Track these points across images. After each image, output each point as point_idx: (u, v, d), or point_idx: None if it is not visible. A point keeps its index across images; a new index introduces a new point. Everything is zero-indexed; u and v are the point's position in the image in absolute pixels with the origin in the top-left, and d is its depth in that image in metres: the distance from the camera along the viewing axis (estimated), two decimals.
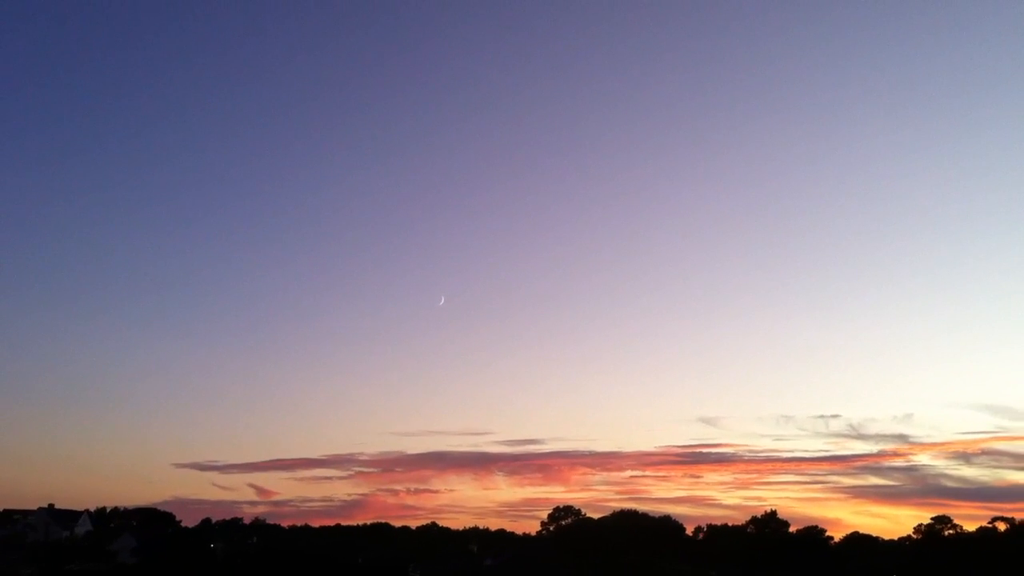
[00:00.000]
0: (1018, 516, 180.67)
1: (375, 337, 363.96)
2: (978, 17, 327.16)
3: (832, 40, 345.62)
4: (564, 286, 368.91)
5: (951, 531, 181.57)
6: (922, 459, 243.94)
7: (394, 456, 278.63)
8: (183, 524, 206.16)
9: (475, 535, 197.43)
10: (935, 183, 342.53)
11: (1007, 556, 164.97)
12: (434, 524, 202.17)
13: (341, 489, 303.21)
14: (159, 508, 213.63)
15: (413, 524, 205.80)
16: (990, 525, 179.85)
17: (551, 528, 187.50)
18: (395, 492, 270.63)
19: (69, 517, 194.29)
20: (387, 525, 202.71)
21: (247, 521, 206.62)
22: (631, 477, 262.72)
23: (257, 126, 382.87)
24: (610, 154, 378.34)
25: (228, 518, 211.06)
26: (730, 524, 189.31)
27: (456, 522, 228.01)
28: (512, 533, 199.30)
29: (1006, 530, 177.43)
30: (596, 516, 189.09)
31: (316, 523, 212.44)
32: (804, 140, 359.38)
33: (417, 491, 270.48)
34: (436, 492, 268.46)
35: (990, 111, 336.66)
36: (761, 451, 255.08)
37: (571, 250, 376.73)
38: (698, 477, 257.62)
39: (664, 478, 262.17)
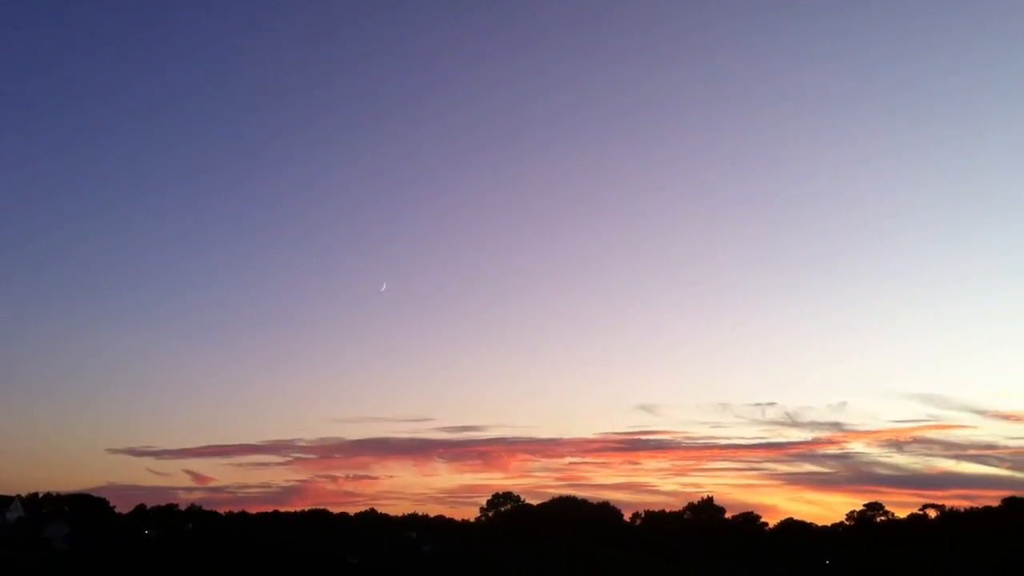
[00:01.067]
0: (948, 503, 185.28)
1: (315, 322, 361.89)
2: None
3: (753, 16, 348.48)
4: (505, 274, 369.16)
5: (883, 517, 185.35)
6: (856, 447, 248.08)
7: (333, 442, 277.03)
8: (117, 510, 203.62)
9: (414, 521, 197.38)
10: (868, 174, 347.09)
11: (937, 542, 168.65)
12: (373, 511, 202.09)
13: (279, 475, 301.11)
14: (93, 494, 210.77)
15: (352, 511, 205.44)
16: (921, 512, 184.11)
17: (490, 514, 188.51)
18: (334, 479, 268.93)
19: (0, 503, 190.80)
20: (325, 512, 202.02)
21: (183, 507, 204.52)
22: (571, 464, 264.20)
23: (189, 108, 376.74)
24: (548, 143, 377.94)
25: (163, 504, 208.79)
26: (667, 510, 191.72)
27: (395, 508, 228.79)
28: (452, 519, 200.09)
29: (936, 517, 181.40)
30: (535, 502, 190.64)
31: (254, 510, 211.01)
32: (738, 130, 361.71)
33: (356, 478, 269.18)
34: (376, 479, 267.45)
35: (913, 96, 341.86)
36: (699, 438, 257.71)
37: (512, 238, 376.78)
38: (637, 464, 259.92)
39: (603, 465, 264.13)
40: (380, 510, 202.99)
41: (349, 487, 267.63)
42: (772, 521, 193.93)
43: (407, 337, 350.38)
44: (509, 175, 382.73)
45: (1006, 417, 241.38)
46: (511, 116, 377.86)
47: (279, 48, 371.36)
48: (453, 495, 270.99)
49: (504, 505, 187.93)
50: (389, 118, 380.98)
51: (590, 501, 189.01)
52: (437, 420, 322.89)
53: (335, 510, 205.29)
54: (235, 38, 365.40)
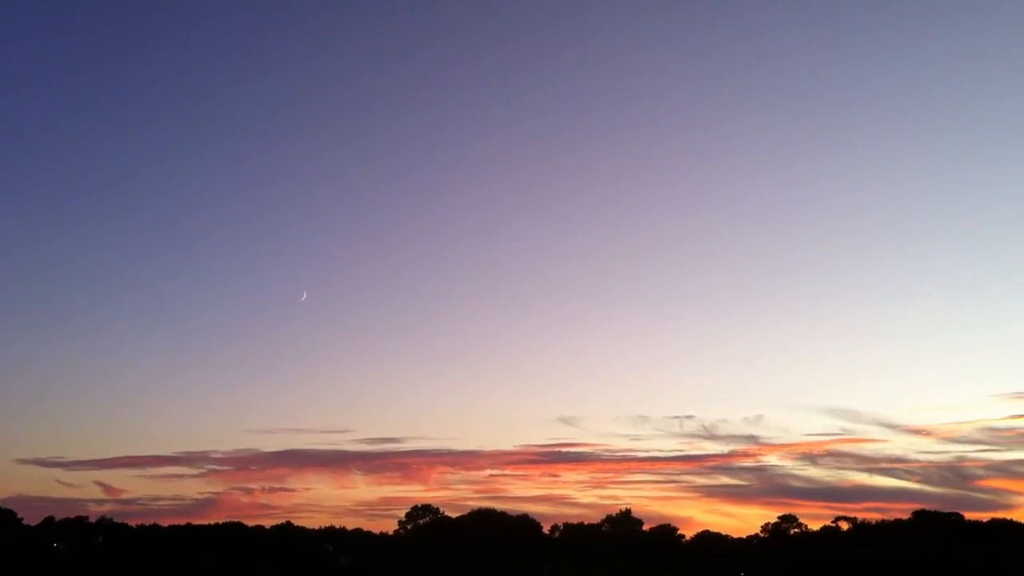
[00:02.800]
0: (860, 515, 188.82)
1: (231, 331, 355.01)
2: None
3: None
4: (425, 283, 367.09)
5: (796, 530, 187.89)
6: (771, 460, 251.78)
7: (249, 454, 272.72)
8: (25, 522, 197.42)
9: (331, 534, 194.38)
10: (781, 189, 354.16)
11: (849, 554, 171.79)
12: (289, 523, 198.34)
13: (193, 488, 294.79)
14: (1, 505, 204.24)
15: (268, 524, 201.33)
16: (833, 524, 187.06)
17: (409, 527, 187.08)
18: (249, 491, 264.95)
19: None
20: (240, 524, 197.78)
21: (93, 520, 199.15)
22: (490, 476, 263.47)
23: (102, 110, 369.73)
24: (466, 153, 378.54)
25: (73, 516, 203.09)
26: (586, 522, 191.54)
27: (312, 521, 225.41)
28: (370, 532, 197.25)
29: (848, 529, 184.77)
30: (454, 515, 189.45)
31: (166, 522, 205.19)
32: (655, 145, 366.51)
33: (272, 490, 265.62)
34: (292, 491, 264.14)
35: (836, 114, 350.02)
36: (618, 450, 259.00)
37: (431, 249, 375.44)
38: (556, 476, 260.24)
39: (523, 477, 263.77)
40: (297, 523, 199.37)
41: (265, 500, 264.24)
42: (689, 533, 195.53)
43: (326, 347, 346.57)
44: (428, 185, 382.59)
45: (916, 432, 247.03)
46: (432, 126, 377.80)
47: (203, 44, 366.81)
48: (371, 508, 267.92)
49: (423, 518, 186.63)
50: (311, 124, 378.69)
51: (509, 514, 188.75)
52: (356, 432, 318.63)
53: (250, 523, 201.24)
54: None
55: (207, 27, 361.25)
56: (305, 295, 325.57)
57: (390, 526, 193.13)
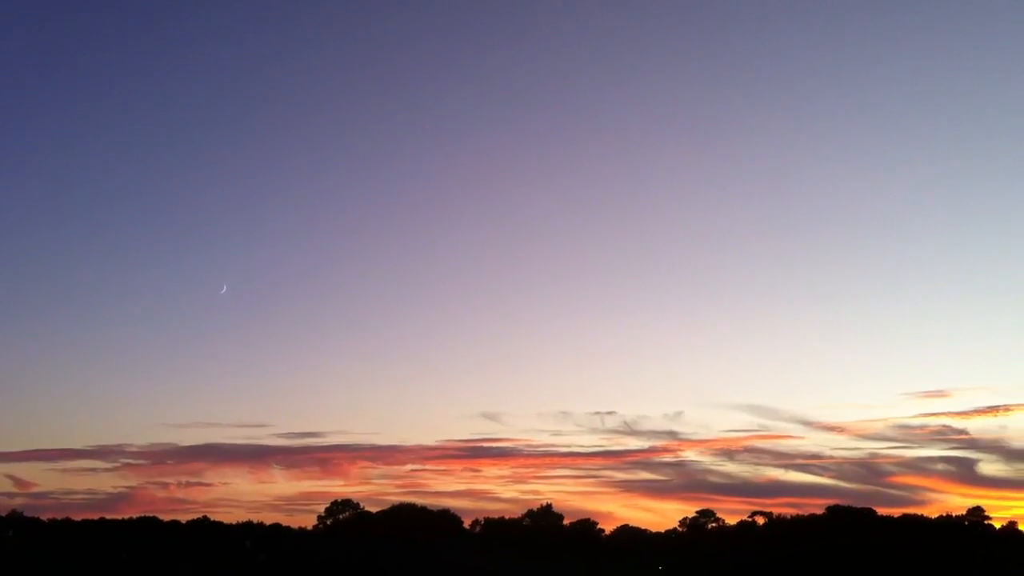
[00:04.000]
0: (776, 511, 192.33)
1: (147, 322, 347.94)
2: None
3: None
4: (347, 277, 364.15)
5: (714, 524, 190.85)
6: (690, 455, 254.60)
7: (165, 448, 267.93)
8: None
9: (249, 529, 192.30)
10: (708, 192, 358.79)
11: (764, 548, 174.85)
12: (206, 518, 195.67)
13: (107, 482, 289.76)
14: None
15: (184, 519, 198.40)
16: (750, 519, 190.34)
17: (328, 522, 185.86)
18: (165, 485, 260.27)
19: None
20: (156, 519, 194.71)
21: (3, 514, 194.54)
22: (412, 471, 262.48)
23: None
24: (389, 154, 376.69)
25: None
26: (507, 517, 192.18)
27: (230, 516, 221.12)
28: (288, 528, 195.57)
29: (764, 524, 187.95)
30: (375, 510, 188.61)
31: (79, 517, 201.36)
32: (589, 144, 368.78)
33: (189, 484, 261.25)
34: (209, 485, 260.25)
35: (770, 114, 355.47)
36: (540, 446, 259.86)
37: (354, 241, 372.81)
38: (478, 471, 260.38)
39: (444, 472, 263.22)
40: (214, 518, 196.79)
41: (181, 494, 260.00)
42: (608, 528, 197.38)
43: (246, 341, 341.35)
44: (349, 181, 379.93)
45: (831, 429, 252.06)
46: (357, 116, 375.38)
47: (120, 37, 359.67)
48: (291, 503, 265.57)
49: (343, 513, 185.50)
50: (228, 115, 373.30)
51: (430, 508, 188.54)
52: (275, 426, 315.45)
53: (166, 518, 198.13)
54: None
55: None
56: (225, 288, 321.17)
57: (309, 521, 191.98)
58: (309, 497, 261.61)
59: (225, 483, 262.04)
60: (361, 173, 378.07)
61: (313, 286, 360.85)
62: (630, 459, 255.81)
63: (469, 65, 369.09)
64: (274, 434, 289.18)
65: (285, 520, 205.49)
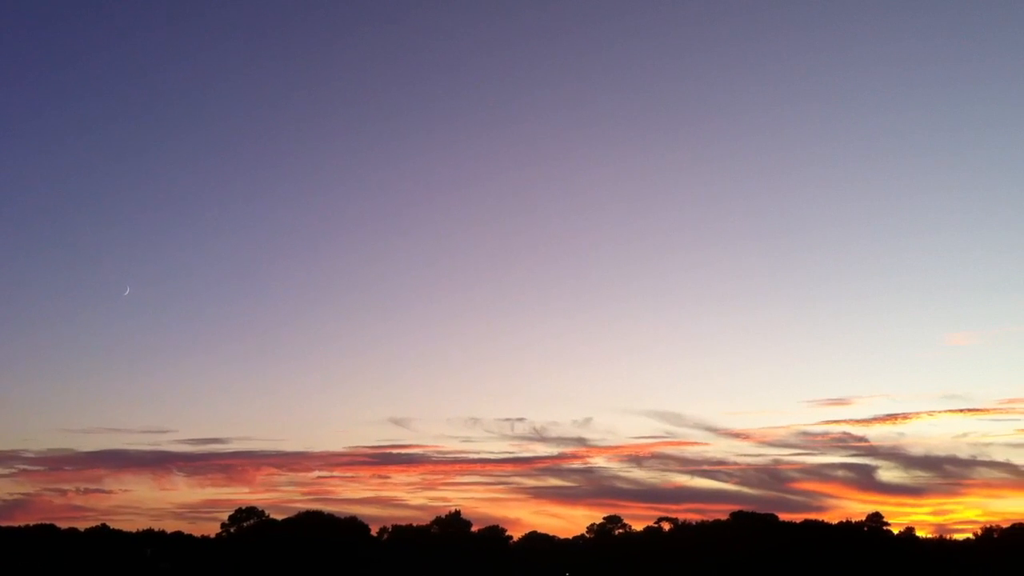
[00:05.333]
0: (681, 516, 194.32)
1: (47, 325, 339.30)
2: None
3: None
4: (253, 282, 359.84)
5: (621, 530, 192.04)
6: (598, 461, 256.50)
7: (63, 454, 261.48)
8: None
9: (150, 537, 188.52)
10: (623, 200, 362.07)
11: (669, 554, 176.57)
12: (105, 526, 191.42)
13: (2, 488, 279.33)
14: None
15: (82, 526, 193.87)
16: (656, 525, 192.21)
17: (232, 530, 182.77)
18: (63, 492, 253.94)
19: None
20: (53, 527, 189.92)
21: None
22: (318, 478, 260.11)
23: None
24: (280, 144, 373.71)
25: None
26: (415, 524, 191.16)
27: (130, 524, 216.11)
28: (191, 536, 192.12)
29: (670, 529, 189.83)
30: (280, 517, 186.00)
31: None
32: (489, 154, 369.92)
33: (88, 491, 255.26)
34: (109, 492, 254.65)
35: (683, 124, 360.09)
36: (449, 452, 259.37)
37: (260, 245, 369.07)
38: (386, 478, 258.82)
39: (352, 479, 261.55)
40: (113, 526, 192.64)
41: (80, 501, 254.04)
42: (517, 534, 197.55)
43: (149, 344, 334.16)
44: (258, 182, 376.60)
45: (736, 435, 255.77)
46: (262, 120, 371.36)
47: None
48: (194, 510, 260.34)
49: (247, 520, 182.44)
50: (134, 116, 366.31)
51: (337, 516, 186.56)
52: (178, 432, 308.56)
53: (64, 525, 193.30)
54: None
55: None
56: (129, 290, 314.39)
57: (213, 529, 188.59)
58: (213, 505, 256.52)
59: (126, 490, 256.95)
60: (270, 178, 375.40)
61: (219, 290, 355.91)
62: (539, 465, 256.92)
63: (350, 55, 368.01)
64: (177, 440, 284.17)
65: (188, 528, 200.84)
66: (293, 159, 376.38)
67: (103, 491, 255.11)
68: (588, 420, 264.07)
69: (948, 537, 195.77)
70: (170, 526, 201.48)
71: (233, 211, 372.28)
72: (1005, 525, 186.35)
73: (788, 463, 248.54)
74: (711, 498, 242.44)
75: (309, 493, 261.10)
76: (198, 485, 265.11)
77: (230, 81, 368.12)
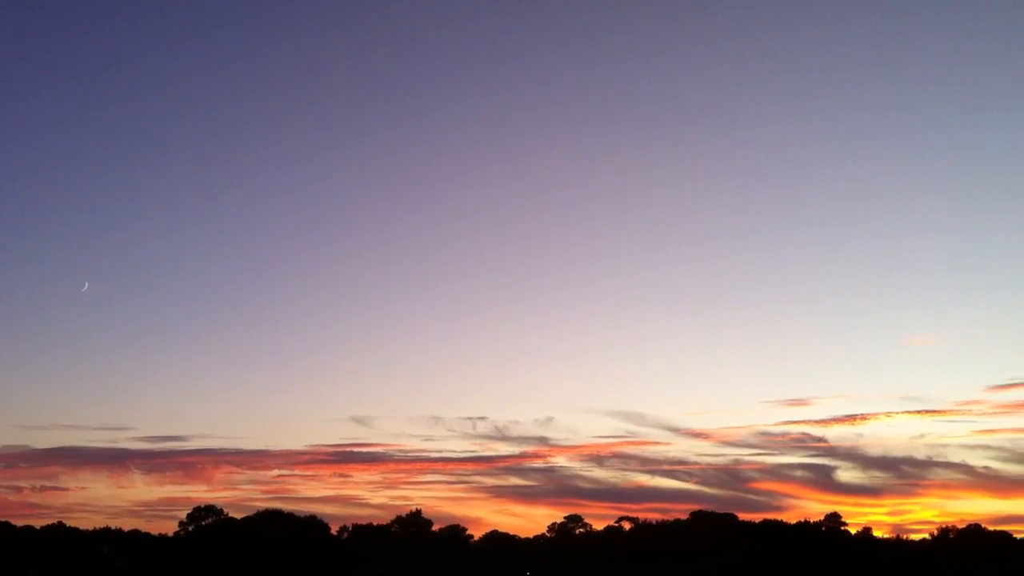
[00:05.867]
0: (642, 516, 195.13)
1: (2, 321, 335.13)
2: None
3: None
4: (215, 278, 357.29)
5: (581, 529, 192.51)
6: (560, 461, 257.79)
7: (19, 451, 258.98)
8: None
9: (107, 535, 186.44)
10: (584, 200, 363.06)
11: (630, 553, 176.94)
12: (62, 524, 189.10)
13: None
14: None
15: (38, 524, 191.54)
16: (616, 524, 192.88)
17: (190, 528, 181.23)
18: (19, 489, 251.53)
19: None
20: (8, 524, 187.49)
21: None
22: (278, 476, 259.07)
23: None
24: (266, 156, 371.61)
25: None
26: (375, 523, 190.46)
27: (87, 522, 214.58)
28: (148, 534, 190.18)
29: (630, 528, 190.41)
30: (239, 516, 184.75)
31: None
32: (457, 153, 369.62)
33: (44, 488, 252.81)
34: (66, 490, 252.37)
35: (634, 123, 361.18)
36: (410, 451, 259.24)
37: (221, 242, 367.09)
38: (347, 476, 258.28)
39: (312, 477, 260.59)
40: (70, 523, 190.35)
41: (35, 499, 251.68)
42: (478, 533, 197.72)
43: (108, 340, 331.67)
44: (220, 178, 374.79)
45: (696, 435, 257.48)
46: (219, 114, 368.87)
47: None
48: (151, 508, 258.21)
49: (205, 519, 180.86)
50: (90, 110, 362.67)
51: (297, 514, 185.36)
52: (137, 429, 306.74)
53: (19, 523, 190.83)
54: None
55: None
56: (87, 285, 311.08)
57: (171, 527, 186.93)
58: (171, 503, 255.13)
59: (82, 488, 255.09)
60: (232, 175, 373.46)
61: (178, 286, 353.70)
62: (501, 464, 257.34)
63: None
64: (135, 437, 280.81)
65: (145, 526, 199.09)
66: (253, 157, 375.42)
67: (60, 488, 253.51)
68: (550, 419, 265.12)
69: (905, 537, 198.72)
70: (127, 524, 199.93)
71: (194, 207, 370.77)
72: (961, 526, 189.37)
73: (748, 463, 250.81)
74: (672, 497, 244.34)
75: (269, 492, 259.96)
76: (156, 483, 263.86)
77: (194, 75, 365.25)
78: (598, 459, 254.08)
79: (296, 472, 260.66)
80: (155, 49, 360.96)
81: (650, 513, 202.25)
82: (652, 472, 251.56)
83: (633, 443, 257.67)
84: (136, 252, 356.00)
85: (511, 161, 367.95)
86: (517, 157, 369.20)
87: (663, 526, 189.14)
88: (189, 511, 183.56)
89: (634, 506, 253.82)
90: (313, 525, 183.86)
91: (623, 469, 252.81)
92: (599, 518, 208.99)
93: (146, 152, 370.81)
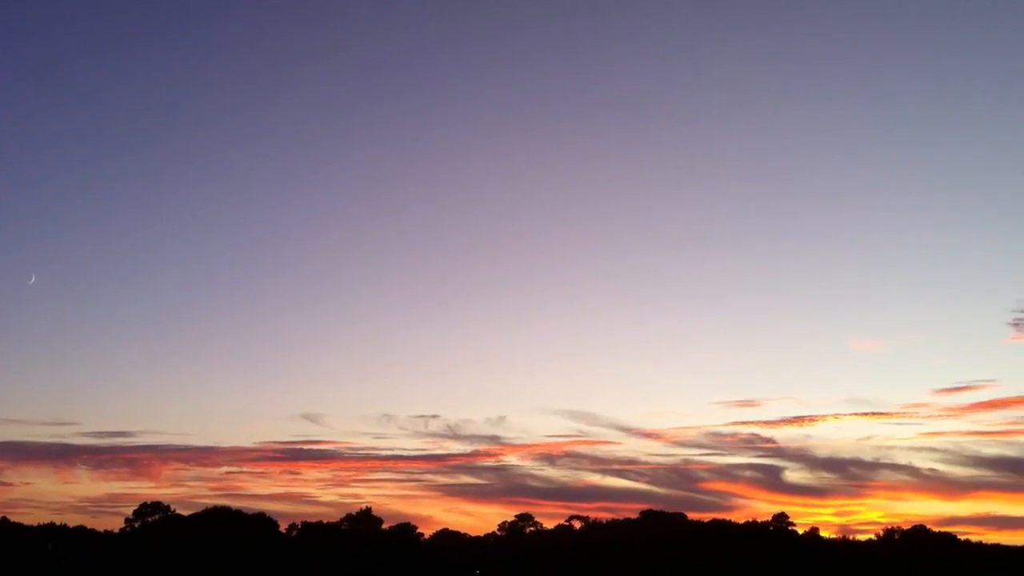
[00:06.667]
0: (592, 515, 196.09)
1: None
2: None
3: None
4: (163, 272, 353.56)
5: (532, 528, 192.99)
6: (511, 460, 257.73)
7: None
8: None
9: (51, 532, 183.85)
10: (535, 197, 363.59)
11: (580, 551, 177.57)
12: (5, 520, 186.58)
13: None
14: None
15: None
16: (567, 523, 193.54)
17: (136, 525, 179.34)
18: None
19: None
20: None
21: None
22: (227, 473, 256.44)
23: None
24: (210, 151, 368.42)
25: None
26: (325, 521, 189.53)
27: (30, 518, 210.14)
28: (94, 530, 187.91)
29: (581, 527, 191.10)
30: (187, 513, 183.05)
31: None
32: (399, 148, 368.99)
33: None
34: (9, 485, 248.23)
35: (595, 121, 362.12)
36: (361, 449, 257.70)
37: (170, 235, 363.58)
38: (297, 474, 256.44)
39: (262, 475, 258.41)
40: (13, 519, 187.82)
41: None
42: (428, 532, 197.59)
43: (54, 334, 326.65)
44: (166, 170, 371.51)
45: (647, 435, 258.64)
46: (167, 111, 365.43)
47: None
48: (97, 504, 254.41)
49: (152, 515, 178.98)
50: (46, 102, 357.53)
51: (245, 512, 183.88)
52: (82, 424, 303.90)
53: None
54: None
55: None
56: (34, 278, 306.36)
57: (117, 524, 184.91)
58: (117, 499, 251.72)
59: (26, 483, 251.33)
60: (178, 171, 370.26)
61: (126, 280, 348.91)
62: (452, 463, 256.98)
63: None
64: (81, 433, 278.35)
65: (90, 523, 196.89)
66: (204, 153, 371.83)
67: (3, 483, 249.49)
68: (502, 418, 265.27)
69: (851, 537, 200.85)
70: (72, 520, 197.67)
71: (143, 204, 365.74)
72: (906, 527, 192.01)
73: (698, 463, 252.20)
74: (622, 497, 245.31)
75: (217, 488, 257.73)
76: (102, 479, 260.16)
77: (132, 70, 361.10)
78: (550, 458, 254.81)
79: (245, 469, 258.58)
80: (104, 43, 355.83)
81: (600, 512, 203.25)
82: (603, 472, 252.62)
83: (585, 443, 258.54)
84: (84, 246, 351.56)
85: (464, 164, 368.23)
86: (468, 161, 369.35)
87: (613, 525, 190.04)
88: (135, 508, 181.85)
89: (585, 505, 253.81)
90: (262, 523, 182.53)
91: (574, 468, 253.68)
92: (550, 517, 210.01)
93: (93, 146, 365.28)
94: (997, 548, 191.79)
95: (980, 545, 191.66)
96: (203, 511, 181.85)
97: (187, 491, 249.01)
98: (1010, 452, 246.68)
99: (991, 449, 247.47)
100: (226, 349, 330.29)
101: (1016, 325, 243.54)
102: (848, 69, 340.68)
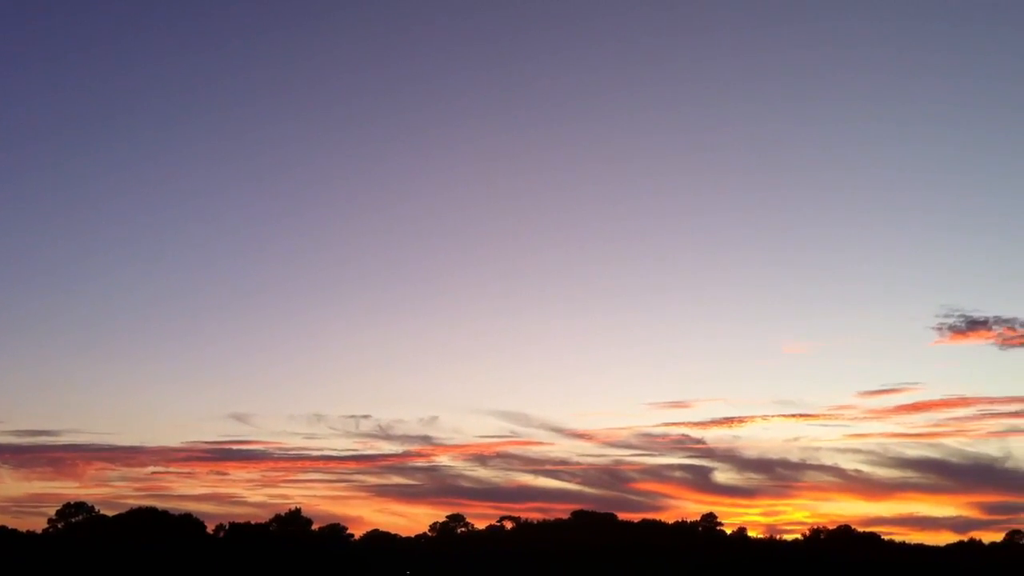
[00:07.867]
0: (524, 515, 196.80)
1: None
2: None
3: None
4: (90, 266, 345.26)
5: (463, 529, 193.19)
6: (443, 460, 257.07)
7: None
8: None
9: None
10: (471, 197, 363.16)
11: (510, 552, 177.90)
12: None
13: None
14: None
15: None
16: (498, 523, 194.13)
17: (59, 526, 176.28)
18: None
19: None
20: None
21: None
22: (153, 473, 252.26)
23: None
24: (152, 146, 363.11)
25: None
26: (253, 522, 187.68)
27: None
28: (15, 531, 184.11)
29: (512, 528, 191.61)
30: (112, 513, 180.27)
31: None
32: (351, 146, 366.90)
33: None
34: None
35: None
36: (291, 449, 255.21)
37: (96, 230, 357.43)
38: (225, 474, 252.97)
39: (188, 475, 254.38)
40: None
41: None
42: (358, 532, 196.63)
43: None
44: (109, 164, 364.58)
45: (579, 436, 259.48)
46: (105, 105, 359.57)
47: None
48: (19, 504, 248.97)
49: (75, 516, 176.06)
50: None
51: (172, 512, 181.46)
52: (4, 423, 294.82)
53: None
54: None
55: None
56: None
57: (39, 524, 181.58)
58: (39, 499, 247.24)
59: None
60: (113, 168, 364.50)
61: (49, 274, 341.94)
62: (383, 463, 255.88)
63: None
64: (3, 431, 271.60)
65: (12, 523, 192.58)
66: (132, 150, 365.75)
67: None
68: (434, 419, 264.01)
69: (778, 537, 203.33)
70: None
71: (67, 200, 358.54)
72: (832, 527, 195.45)
73: (629, 463, 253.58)
74: (553, 497, 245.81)
75: (143, 489, 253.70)
76: (24, 478, 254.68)
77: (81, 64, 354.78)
78: (482, 459, 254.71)
79: (172, 469, 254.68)
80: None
81: (532, 513, 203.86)
82: (535, 472, 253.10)
83: (517, 443, 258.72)
84: (5, 240, 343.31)
85: (397, 164, 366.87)
86: (403, 159, 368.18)
87: (544, 525, 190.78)
88: (59, 508, 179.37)
89: (516, 506, 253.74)
90: (188, 524, 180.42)
91: (506, 469, 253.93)
92: (481, 517, 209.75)
93: (21, 142, 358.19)
94: (920, 548, 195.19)
95: (903, 545, 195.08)
96: (128, 512, 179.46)
97: (112, 491, 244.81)
98: (933, 454, 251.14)
99: (915, 451, 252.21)
100: (152, 346, 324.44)
101: (940, 329, 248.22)
102: (769, 71, 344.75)
